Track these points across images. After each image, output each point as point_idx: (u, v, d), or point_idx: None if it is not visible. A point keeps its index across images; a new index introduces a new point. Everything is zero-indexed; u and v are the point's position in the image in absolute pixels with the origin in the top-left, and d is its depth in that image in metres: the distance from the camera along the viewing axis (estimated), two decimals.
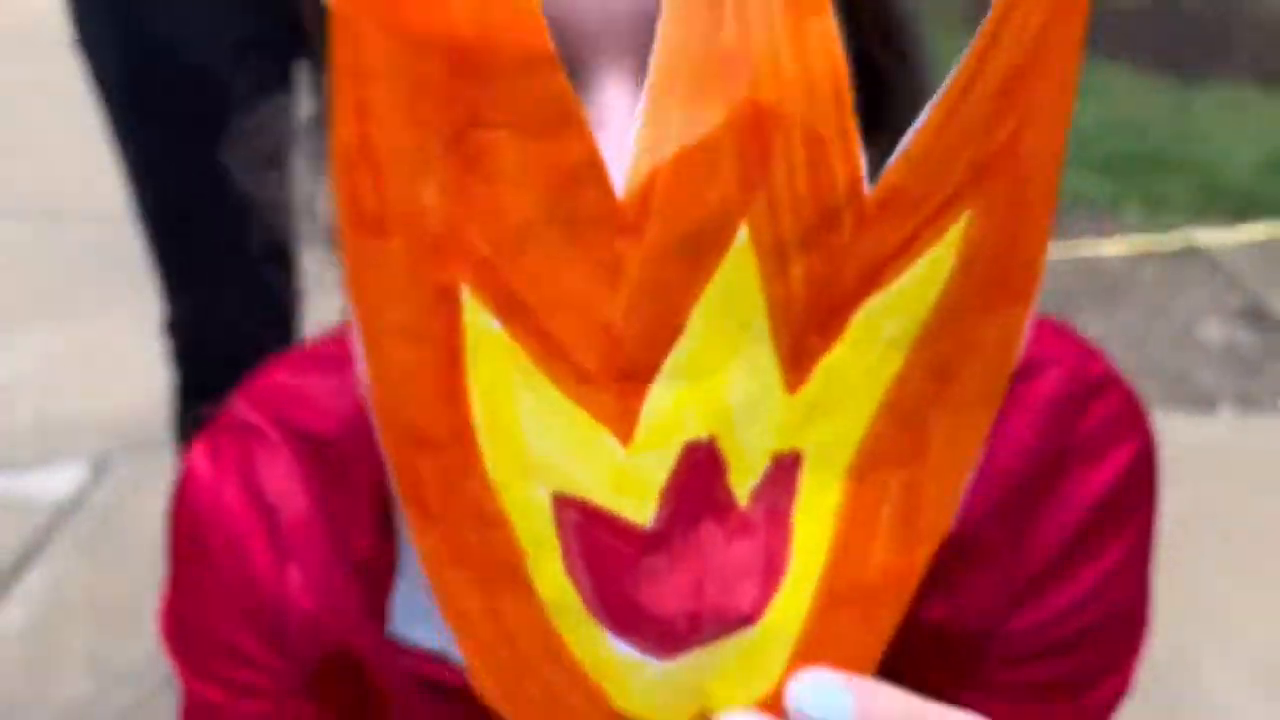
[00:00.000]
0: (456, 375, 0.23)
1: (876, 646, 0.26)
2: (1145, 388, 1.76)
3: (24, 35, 3.77)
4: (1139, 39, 4.16)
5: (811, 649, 0.25)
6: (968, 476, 0.26)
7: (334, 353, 0.46)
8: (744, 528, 0.24)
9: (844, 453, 0.24)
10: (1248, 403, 2.00)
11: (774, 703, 0.25)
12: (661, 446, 0.22)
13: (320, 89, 0.43)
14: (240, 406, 0.46)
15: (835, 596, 0.25)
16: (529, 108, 0.21)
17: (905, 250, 0.23)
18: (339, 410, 0.44)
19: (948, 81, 0.22)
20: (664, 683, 0.24)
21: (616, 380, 0.22)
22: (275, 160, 0.88)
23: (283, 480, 0.44)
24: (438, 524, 0.24)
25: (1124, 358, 2.30)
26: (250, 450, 0.44)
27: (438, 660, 0.41)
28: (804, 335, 0.23)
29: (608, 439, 0.22)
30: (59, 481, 1.62)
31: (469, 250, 0.22)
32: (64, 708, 1.25)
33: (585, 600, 0.23)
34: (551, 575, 0.23)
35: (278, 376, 0.47)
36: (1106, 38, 4.15)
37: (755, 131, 0.21)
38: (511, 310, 0.22)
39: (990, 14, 0.21)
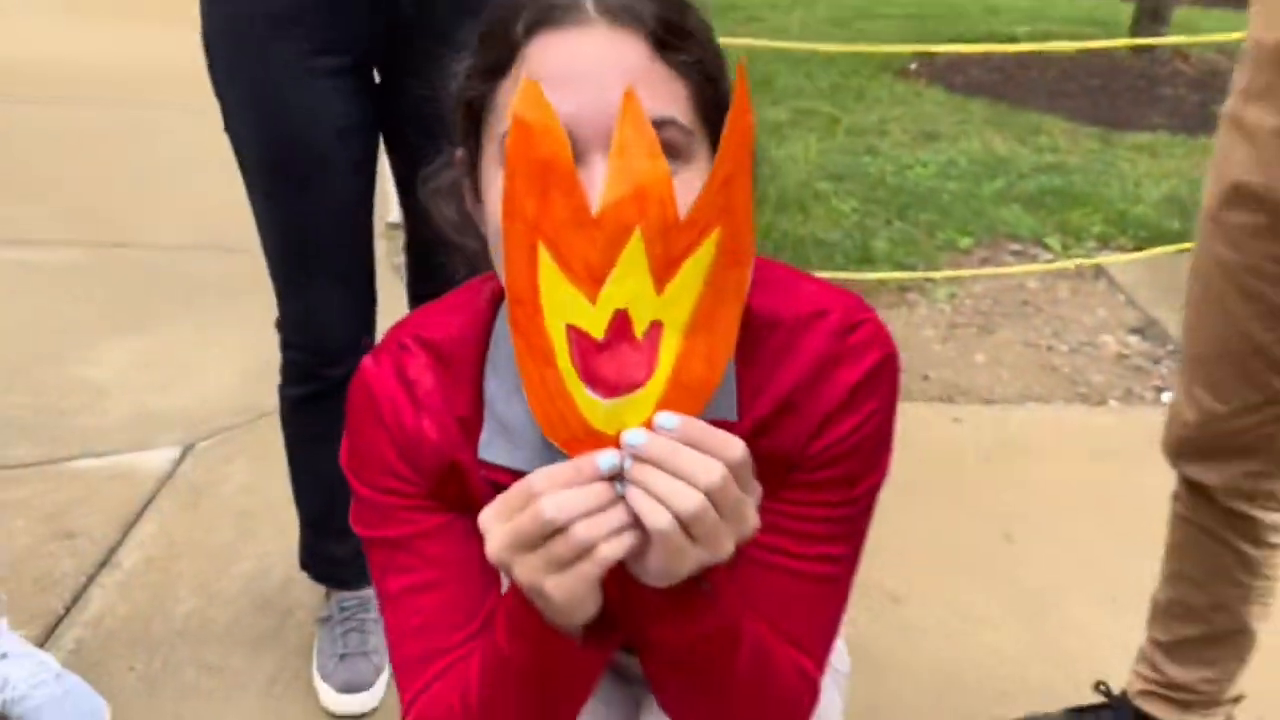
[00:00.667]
0: (533, 275, 0.62)
1: (696, 408, 0.65)
2: (1050, 384, 2.29)
3: (100, 94, 4.15)
4: (1072, 92, 4.61)
5: (664, 404, 0.64)
6: (733, 339, 0.66)
7: (440, 306, 0.85)
8: (638, 347, 0.63)
9: (680, 323, 0.64)
10: (1132, 397, 2.41)
11: (648, 425, 0.64)
12: (606, 308, 0.62)
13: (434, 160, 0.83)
14: (393, 333, 0.85)
15: (675, 383, 0.64)
16: (564, 182, 0.60)
17: (698, 240, 0.63)
18: (446, 331, 0.82)
19: (709, 180, 0.62)
20: (609, 411, 0.63)
21: (590, 282, 0.62)
22: (365, 206, 1.29)
23: (418, 369, 0.82)
24: (523, 337, 0.63)
25: (1034, 361, 2.74)
26: (400, 354, 0.83)
27: (502, 471, 0.79)
28: (661, 271, 0.63)
29: (586, 304, 0.62)
30: (158, 459, 2.01)
31: (544, 232, 0.61)
32: (180, 620, 1.63)
33: (578, 370, 0.63)
34: (564, 359, 0.63)
35: (414, 318, 0.86)
36: (1046, 91, 4.61)
37: (639, 196, 0.61)
38: (557, 252, 0.62)
39: (719, 163, 0.62)
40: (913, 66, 4.95)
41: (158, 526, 1.83)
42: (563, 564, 0.59)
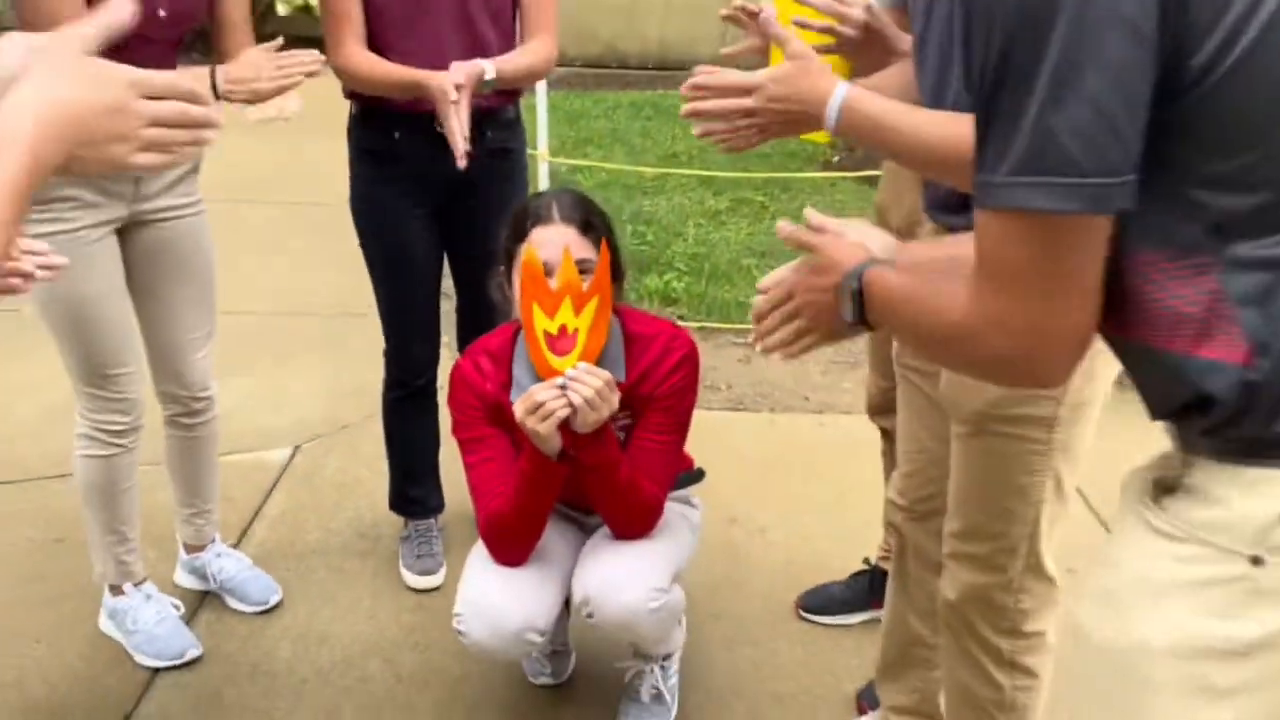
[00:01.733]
0: (530, 317, 1.63)
1: (591, 362, 1.66)
2: (781, 399, 3.54)
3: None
4: None
5: (581, 358, 1.65)
6: (603, 338, 1.67)
7: (490, 337, 1.87)
8: (569, 338, 1.64)
9: (584, 329, 1.65)
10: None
11: (573, 367, 1.65)
12: (556, 324, 1.63)
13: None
14: (471, 349, 1.87)
15: (582, 353, 1.65)
16: (540, 282, 1.63)
17: (589, 299, 1.65)
18: (495, 346, 1.84)
19: (594, 280, 1.65)
20: (558, 363, 1.63)
21: (551, 315, 1.63)
22: (436, 287, 2.31)
23: (484, 361, 1.84)
24: (529, 340, 1.64)
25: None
26: (474, 356, 1.85)
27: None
28: (577, 310, 1.64)
29: (549, 322, 1.63)
30: (276, 456, 2.99)
31: (535, 299, 1.63)
32: (310, 545, 2.59)
33: (547, 348, 1.63)
34: (542, 345, 1.63)
35: (478, 343, 1.88)
36: None
37: (568, 285, 1.62)
38: (539, 305, 1.63)
39: (599, 274, 1.64)
40: (836, 159, 6.04)
41: (285, 494, 2.82)
42: (543, 418, 1.60)
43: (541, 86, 3.52)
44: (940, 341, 0.97)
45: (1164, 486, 0.90)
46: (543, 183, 3.77)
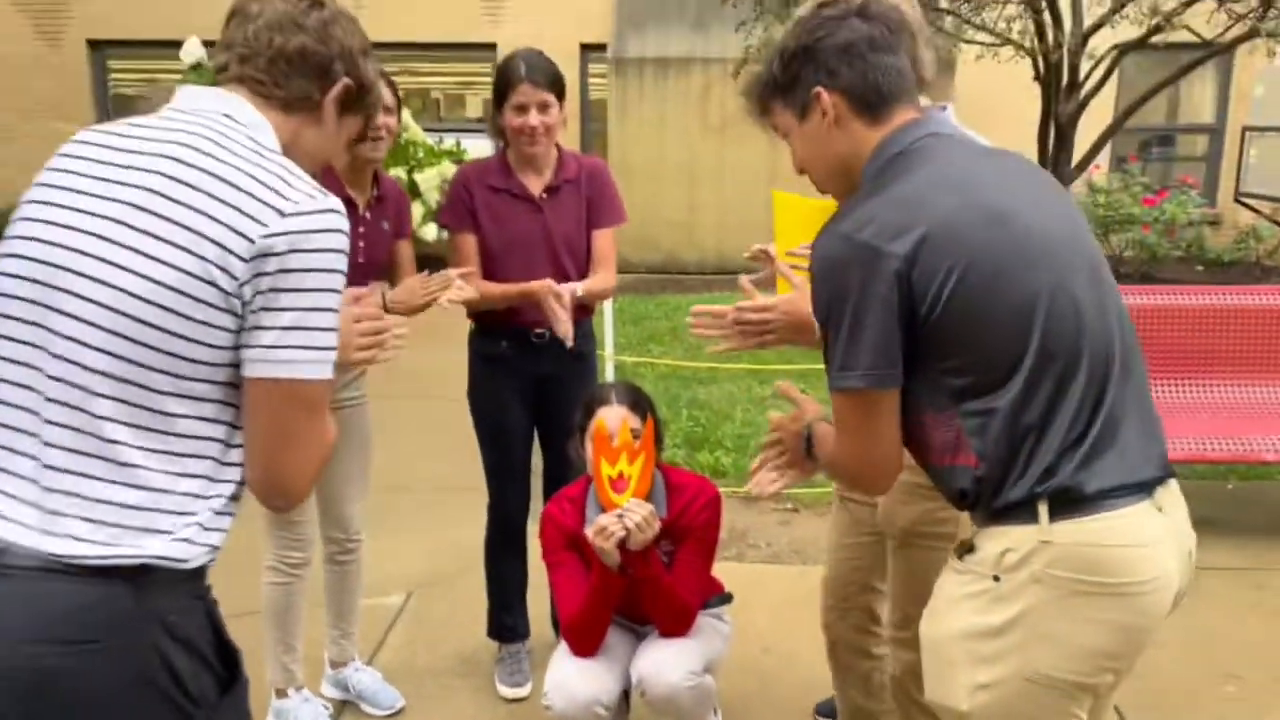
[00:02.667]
0: (599, 468, 2.35)
1: (628, 497, 2.35)
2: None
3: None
4: None
5: (633, 495, 2.34)
6: (649, 485, 2.37)
7: (571, 486, 2.58)
8: (624, 482, 2.34)
9: (634, 477, 2.35)
10: None
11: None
12: (615, 471, 2.35)
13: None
14: (556, 496, 2.58)
15: (635, 489, 2.34)
16: (606, 443, 2.35)
17: (639, 455, 2.36)
18: (574, 493, 2.54)
19: (642, 443, 2.37)
20: (617, 499, 2.33)
21: (613, 464, 2.35)
22: (529, 453, 3.05)
23: (567, 505, 2.53)
24: (597, 484, 2.35)
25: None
26: (560, 502, 2.55)
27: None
28: (630, 462, 2.36)
29: (610, 469, 2.35)
30: (394, 600, 3.68)
31: (603, 455, 2.35)
32: (424, 668, 3.23)
33: (609, 488, 2.34)
34: (606, 486, 2.34)
35: (562, 492, 2.59)
36: None
37: (625, 445, 2.34)
38: (605, 458, 2.34)
39: (645, 441, 2.37)
40: None
41: (403, 628, 3.49)
42: (607, 537, 2.29)
43: (608, 304, 4.35)
44: (830, 466, 1.68)
45: (966, 547, 1.56)
46: (608, 375, 4.56)
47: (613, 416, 2.40)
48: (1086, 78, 6.06)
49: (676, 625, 2.46)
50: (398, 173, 9.66)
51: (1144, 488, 1.49)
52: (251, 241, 1.26)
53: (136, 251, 1.26)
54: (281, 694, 2.87)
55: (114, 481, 1.27)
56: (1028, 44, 5.62)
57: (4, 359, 1.31)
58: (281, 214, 1.28)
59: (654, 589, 2.40)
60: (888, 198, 1.50)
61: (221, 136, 1.34)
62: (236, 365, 1.30)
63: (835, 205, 1.78)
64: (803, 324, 1.98)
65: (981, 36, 5.81)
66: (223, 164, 1.30)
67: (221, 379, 1.30)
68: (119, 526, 1.27)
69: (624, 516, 2.29)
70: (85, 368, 1.26)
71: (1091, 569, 1.45)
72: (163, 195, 1.28)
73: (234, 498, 1.37)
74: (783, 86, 1.62)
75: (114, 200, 1.29)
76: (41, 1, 11.25)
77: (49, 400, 1.27)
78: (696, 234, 10.41)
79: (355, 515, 2.93)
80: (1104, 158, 10.89)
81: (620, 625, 2.60)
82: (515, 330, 2.94)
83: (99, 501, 1.26)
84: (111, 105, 11.90)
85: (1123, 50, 5.71)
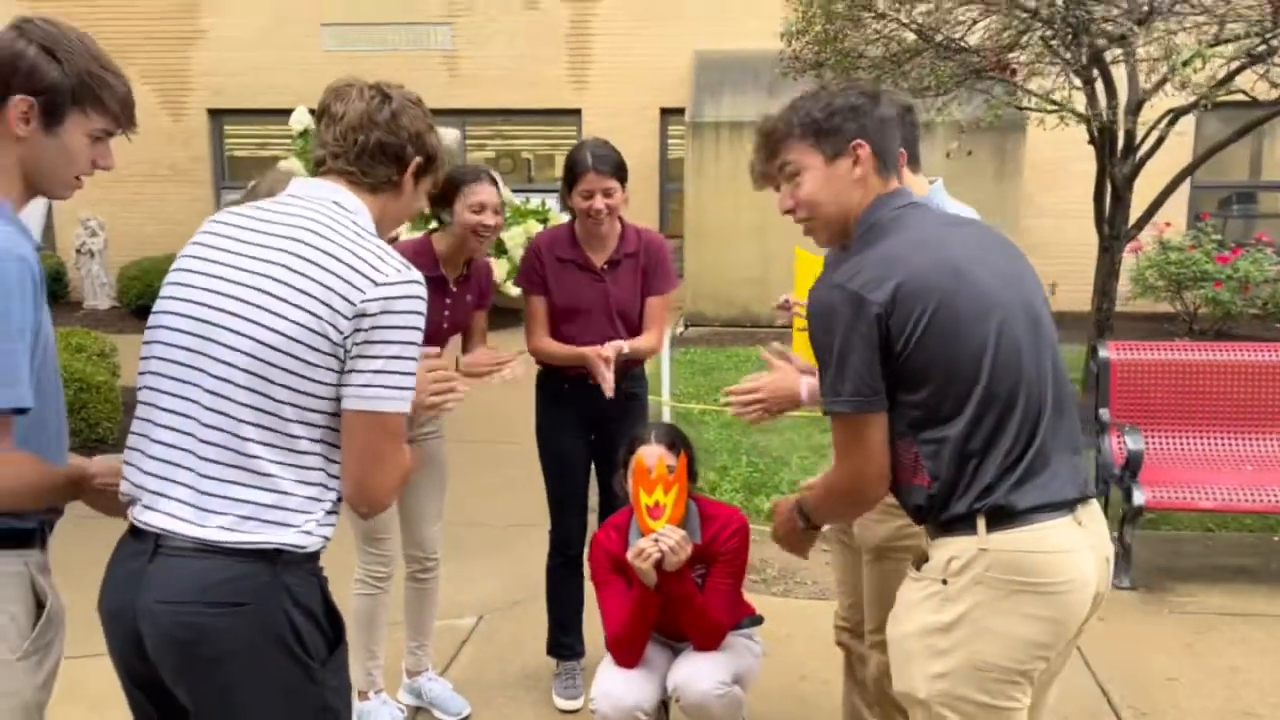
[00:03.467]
0: (639, 500, 2.69)
1: (663, 523, 2.67)
2: None
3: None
4: None
5: (668, 522, 2.66)
6: (683, 512, 2.69)
7: (616, 515, 2.92)
8: (660, 510, 2.67)
9: (669, 505, 2.67)
10: None
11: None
12: (652, 500, 2.68)
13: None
14: (605, 525, 2.92)
15: (670, 517, 2.66)
16: (645, 475, 2.69)
17: (674, 485, 2.68)
18: (619, 522, 2.88)
19: (677, 477, 2.70)
20: (654, 525, 2.65)
21: (650, 494, 2.68)
22: (587, 486, 3.41)
23: (611, 533, 2.87)
24: (637, 512, 2.68)
25: None
26: (607, 529, 2.89)
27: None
28: (665, 492, 2.68)
29: (647, 498, 2.68)
30: (467, 622, 4.04)
31: (641, 486, 2.68)
32: (492, 681, 3.57)
33: (647, 516, 2.67)
34: (644, 514, 2.67)
35: (609, 521, 2.93)
36: None
37: (660, 476, 2.67)
38: (644, 489, 2.69)
39: (679, 475, 2.69)
40: None
41: (473, 647, 3.84)
42: (645, 559, 2.61)
43: (666, 354, 4.71)
44: (827, 494, 1.99)
45: (921, 559, 1.85)
46: (664, 417, 4.90)
47: (650, 453, 2.74)
48: (1142, 140, 6.24)
49: (708, 640, 2.76)
50: (545, 231, 10.22)
51: (1067, 505, 1.79)
52: (353, 305, 1.64)
53: (271, 312, 1.65)
54: (363, 696, 3.24)
55: (255, 487, 1.66)
56: (1082, 110, 5.84)
57: (168, 394, 1.71)
58: (375, 284, 1.66)
59: (687, 606, 2.71)
60: (872, 255, 1.83)
61: (333, 221, 1.73)
62: (339, 399, 1.68)
63: None
64: (790, 395, 2.35)
65: (1033, 102, 6.06)
66: (333, 244, 1.70)
67: (330, 410, 1.68)
68: (258, 520, 1.65)
69: (659, 540, 2.61)
70: (233, 401, 1.65)
71: (1022, 571, 1.74)
72: (290, 269, 1.67)
73: (339, 501, 1.75)
74: (823, 130, 1.90)
75: (254, 272, 1.69)
76: (167, 75, 12.25)
77: (205, 425, 1.66)
78: (769, 288, 10.72)
79: (433, 536, 3.31)
80: (1180, 215, 10.92)
81: (659, 642, 2.91)
82: (575, 376, 3.31)
83: (244, 501, 1.65)
84: (227, 168, 12.83)
85: (1176, 115, 5.90)
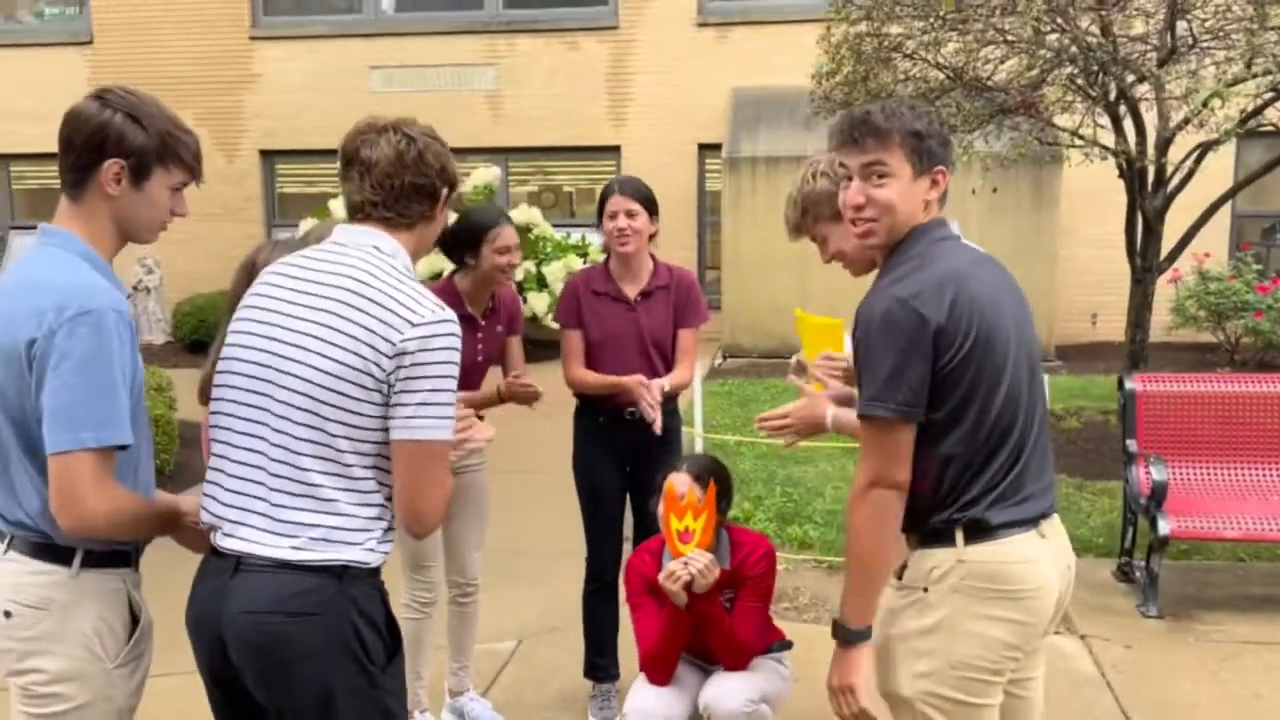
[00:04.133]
0: (669, 526, 2.84)
1: (692, 547, 2.82)
2: None
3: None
4: (1056, 455, 6.52)
5: (699, 546, 2.81)
6: (711, 538, 2.84)
7: (651, 540, 3.07)
8: (689, 535, 2.81)
9: (698, 531, 2.82)
10: None
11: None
12: (682, 526, 2.83)
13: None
14: (639, 549, 3.08)
15: (699, 542, 2.80)
16: (675, 501, 2.85)
17: (703, 513, 2.84)
18: (655, 546, 3.03)
19: (705, 506, 2.85)
20: (684, 549, 2.80)
21: (680, 520, 2.83)
22: (623, 517, 3.58)
23: (646, 557, 3.02)
24: (667, 537, 2.83)
25: None
26: (641, 554, 3.04)
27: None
28: (695, 519, 2.84)
29: (677, 523, 2.83)
30: (507, 645, 4.20)
31: (672, 511, 2.84)
32: (530, 701, 3.73)
33: (677, 540, 2.82)
34: (674, 539, 2.82)
35: (643, 546, 3.09)
36: None
37: (690, 503, 2.82)
38: (674, 514, 2.84)
39: (707, 503, 2.85)
40: None
41: (513, 669, 4.00)
42: (675, 581, 2.76)
43: (698, 386, 4.86)
44: (855, 497, 2.12)
45: (902, 568, 2.00)
46: (697, 449, 5.05)
47: (680, 482, 2.89)
48: (1172, 174, 6.33)
49: (736, 660, 2.90)
50: (527, 265, 10.50)
51: (1033, 521, 1.98)
52: (394, 344, 1.82)
53: (321, 355, 1.84)
54: (408, 716, 3.41)
55: (321, 512, 1.84)
56: (1112, 144, 5.95)
57: (239, 433, 1.90)
58: (413, 324, 1.84)
59: (716, 627, 2.85)
60: (928, 275, 1.96)
61: (374, 266, 1.91)
62: (387, 430, 1.86)
63: (837, 323, 2.28)
64: (817, 421, 2.47)
65: (1060, 138, 6.17)
66: (375, 289, 1.87)
67: (379, 439, 1.86)
68: (326, 541, 1.85)
69: (689, 564, 2.76)
70: (294, 436, 1.84)
71: (995, 580, 1.93)
72: (337, 315, 1.86)
73: (394, 520, 1.93)
74: (925, 147, 2.01)
75: (305, 319, 1.87)
76: (221, 118, 12.71)
77: (272, 460, 1.86)
78: None
79: (474, 563, 3.49)
80: (1221, 244, 10.90)
81: (691, 663, 3.05)
82: (611, 409, 3.48)
83: (312, 525, 1.84)
84: (277, 206, 13.25)
85: (1204, 149, 5.98)
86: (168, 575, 2.36)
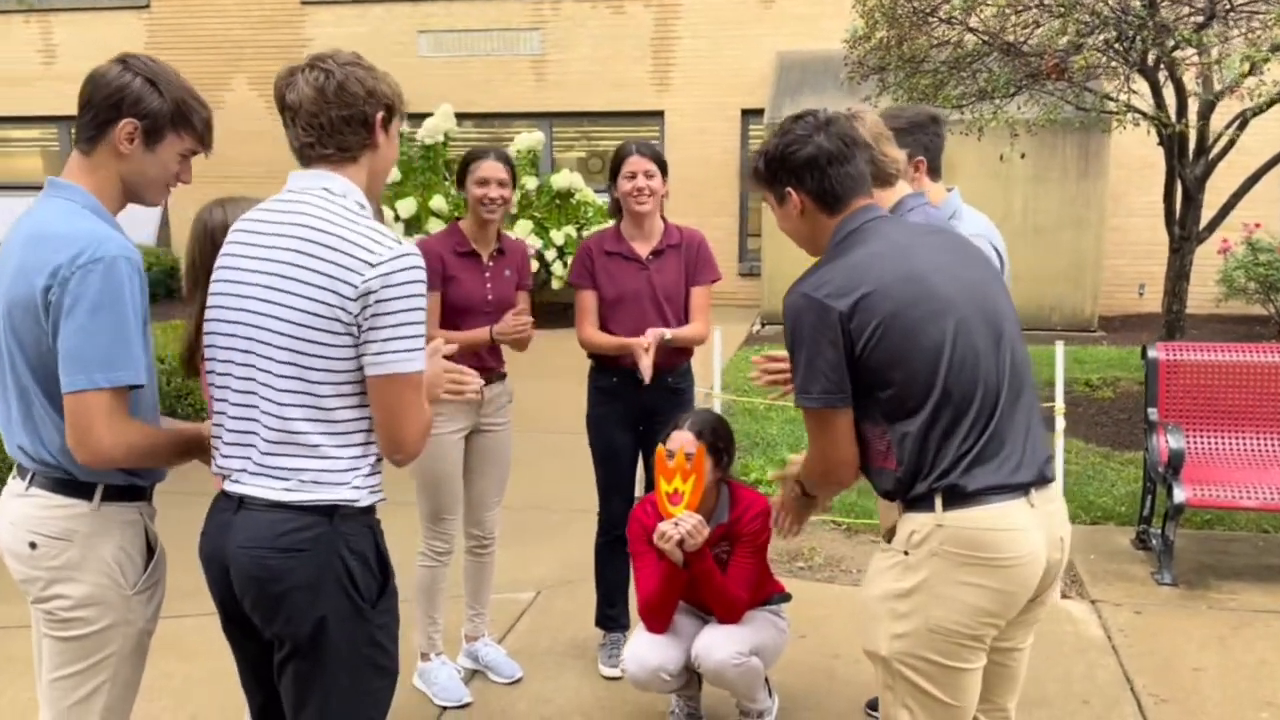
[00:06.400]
0: (658, 479, 2.93)
1: (682, 509, 2.91)
2: None
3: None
4: (1087, 424, 6.49)
5: (688, 507, 2.90)
6: (699, 497, 2.92)
7: (649, 494, 3.18)
8: (679, 496, 2.90)
9: (687, 492, 2.90)
10: None
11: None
12: (672, 488, 2.92)
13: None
14: (643, 500, 3.18)
15: (688, 503, 2.89)
16: (665, 465, 2.94)
17: (691, 474, 2.92)
18: (654, 498, 3.13)
19: (695, 466, 2.94)
20: (674, 510, 2.89)
21: (669, 482, 2.93)
22: (635, 471, 3.67)
23: (648, 508, 3.11)
24: (658, 496, 2.93)
25: None
26: (644, 504, 3.14)
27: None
28: (684, 480, 2.93)
29: (667, 485, 2.93)
30: (526, 596, 4.34)
31: (662, 474, 2.93)
32: (542, 649, 3.87)
33: (667, 501, 2.92)
34: (664, 500, 2.92)
35: (647, 496, 3.19)
36: (1075, 428, 6.51)
37: (679, 464, 2.91)
38: (664, 476, 2.93)
39: (696, 466, 2.93)
40: None
41: (530, 618, 4.14)
42: (665, 541, 2.86)
43: (718, 347, 4.93)
44: (807, 475, 2.21)
45: (890, 533, 2.07)
46: (715, 408, 5.14)
47: (678, 438, 2.98)
48: (1214, 142, 6.21)
49: (728, 613, 3.00)
50: (569, 230, 10.60)
51: (1020, 488, 1.99)
52: (356, 287, 1.89)
53: (294, 307, 1.91)
54: (425, 658, 3.57)
55: (306, 457, 1.96)
56: (1148, 111, 5.86)
57: (237, 390, 2.00)
58: (371, 265, 1.90)
59: (708, 581, 2.95)
60: (839, 266, 2.05)
61: (327, 210, 1.96)
62: (362, 369, 1.95)
63: None
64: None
65: (1093, 103, 6.08)
66: (331, 235, 1.90)
67: (356, 379, 1.95)
68: (315, 483, 1.96)
69: (679, 524, 2.85)
70: (279, 389, 1.94)
71: (974, 546, 1.95)
72: (301, 266, 1.92)
73: (379, 460, 2.04)
74: (765, 180, 2.20)
75: (271, 273, 1.94)
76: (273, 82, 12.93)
77: (263, 413, 1.97)
78: None
79: (492, 519, 3.62)
80: (1272, 215, 10.63)
81: (691, 612, 3.16)
82: (623, 369, 3.57)
83: (301, 469, 1.96)
84: None
85: (1248, 116, 5.86)
86: (179, 515, 2.52)
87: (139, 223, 13.58)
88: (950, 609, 1.97)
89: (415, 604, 3.54)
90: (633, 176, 3.50)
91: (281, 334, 1.94)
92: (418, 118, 10.41)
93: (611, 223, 3.69)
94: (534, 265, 10.22)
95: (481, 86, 12.59)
